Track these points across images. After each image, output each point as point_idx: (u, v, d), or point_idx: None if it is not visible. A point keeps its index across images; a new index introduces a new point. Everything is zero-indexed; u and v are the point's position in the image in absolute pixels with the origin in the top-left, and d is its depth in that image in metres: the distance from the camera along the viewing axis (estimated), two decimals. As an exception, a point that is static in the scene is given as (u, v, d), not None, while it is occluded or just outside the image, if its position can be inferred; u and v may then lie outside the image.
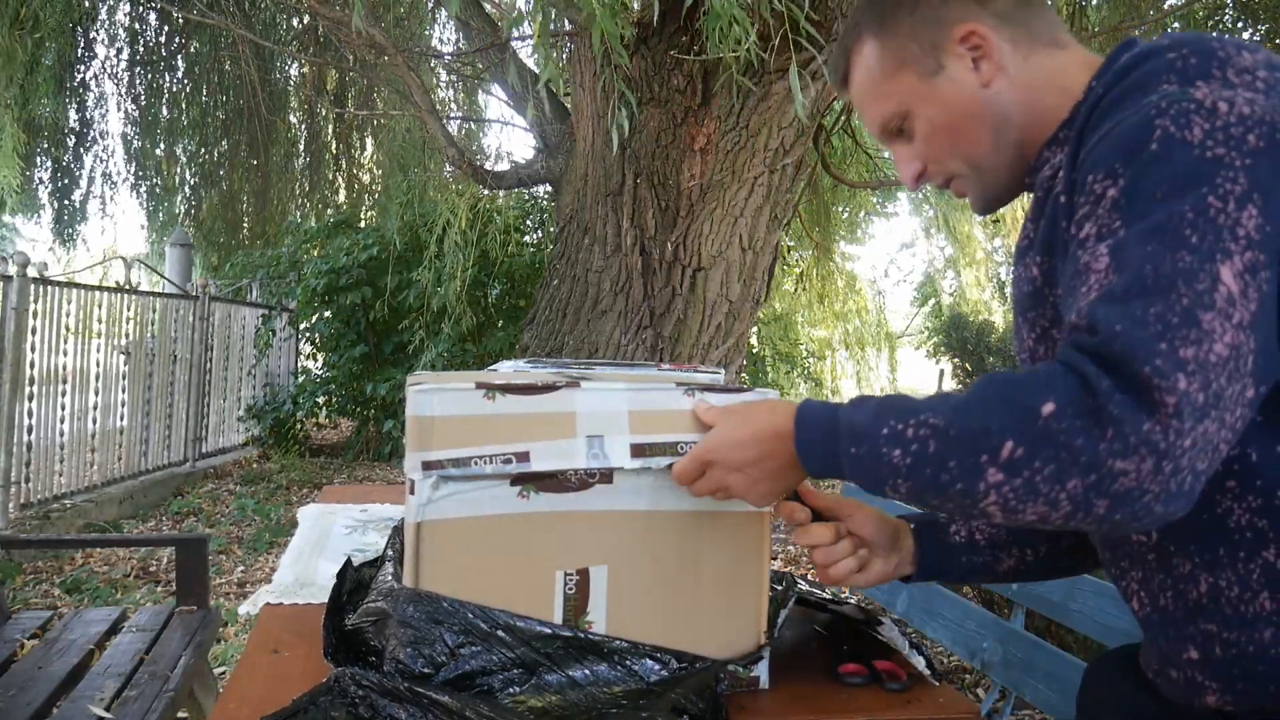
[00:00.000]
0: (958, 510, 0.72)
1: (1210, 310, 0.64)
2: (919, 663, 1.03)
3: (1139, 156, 0.70)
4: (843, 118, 4.70)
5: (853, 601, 1.21)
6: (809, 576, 1.15)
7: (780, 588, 1.09)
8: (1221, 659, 0.76)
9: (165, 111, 9.16)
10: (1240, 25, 6.10)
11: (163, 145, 9.52)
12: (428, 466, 0.87)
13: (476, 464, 0.88)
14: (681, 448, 0.92)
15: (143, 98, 8.97)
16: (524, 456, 0.89)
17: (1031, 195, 0.90)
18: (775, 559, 4.96)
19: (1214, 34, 0.78)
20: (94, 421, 5.52)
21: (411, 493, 0.89)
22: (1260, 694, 0.74)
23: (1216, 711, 0.79)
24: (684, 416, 0.92)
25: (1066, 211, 0.78)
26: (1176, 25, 5.77)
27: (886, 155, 7.83)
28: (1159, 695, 0.85)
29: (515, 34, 3.37)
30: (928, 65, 0.88)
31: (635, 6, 2.99)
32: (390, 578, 0.98)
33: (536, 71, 3.32)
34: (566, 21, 3.40)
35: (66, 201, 9.28)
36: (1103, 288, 0.68)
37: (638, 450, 0.91)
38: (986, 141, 0.88)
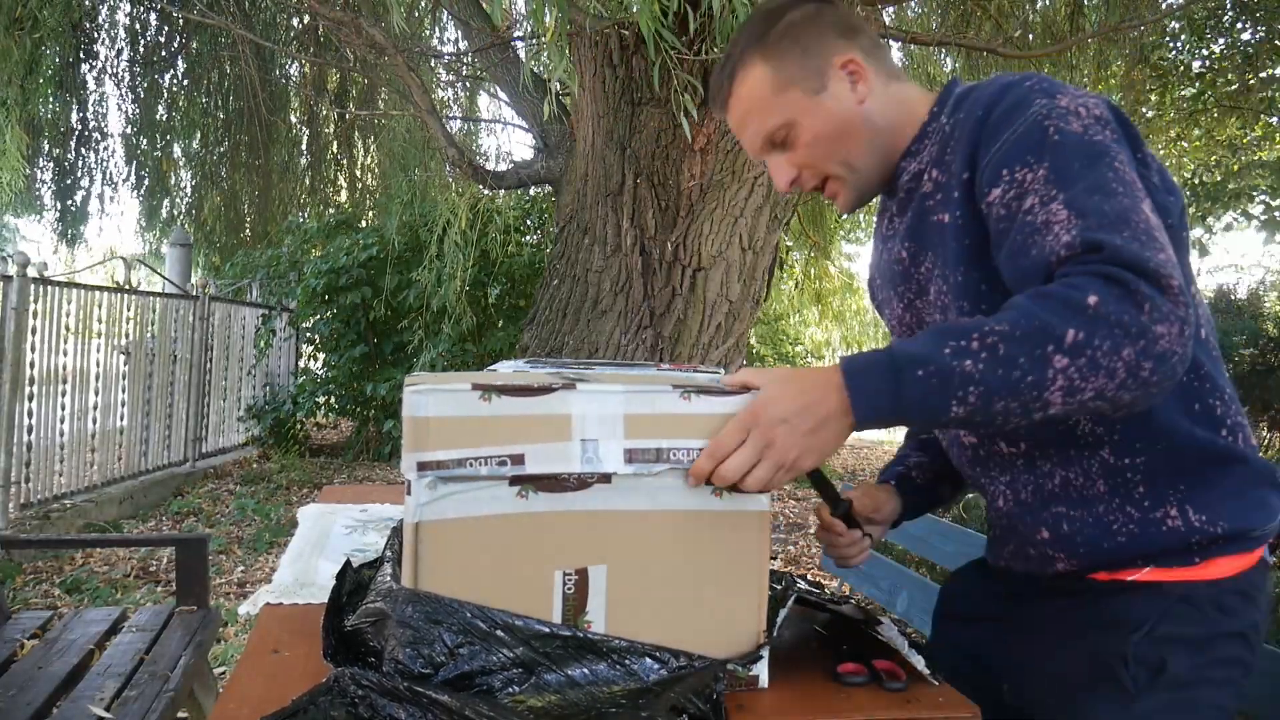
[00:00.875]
0: (1017, 408, 0.83)
1: (1157, 230, 0.86)
2: (918, 662, 1.03)
3: (1046, 146, 0.91)
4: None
5: (852, 601, 1.21)
6: (809, 576, 1.17)
7: (779, 587, 1.09)
8: (1068, 532, 1.01)
9: (165, 111, 9.17)
10: (1240, 26, 6.09)
11: (163, 145, 9.52)
12: (423, 467, 0.87)
13: (471, 465, 0.88)
14: (673, 454, 0.92)
15: (143, 98, 8.97)
16: (519, 459, 0.89)
17: (891, 198, 1.14)
18: (775, 558, 4.96)
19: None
20: (94, 421, 5.52)
21: (409, 494, 0.89)
22: (1097, 551, 1.00)
23: (1062, 575, 1.04)
24: (680, 422, 0.92)
25: (962, 204, 0.99)
26: (1175, 25, 5.76)
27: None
28: (1006, 577, 1.12)
29: (519, 34, 3.37)
30: (813, 85, 1.06)
31: (635, 7, 2.99)
32: (389, 578, 0.98)
33: (537, 72, 3.31)
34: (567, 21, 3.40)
35: (69, 201, 9.29)
36: (1076, 225, 0.86)
37: (632, 456, 0.91)
38: (862, 147, 1.08)
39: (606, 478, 0.92)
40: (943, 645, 1.24)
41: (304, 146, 9.87)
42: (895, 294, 1.14)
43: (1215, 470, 0.98)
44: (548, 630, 0.89)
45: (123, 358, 5.90)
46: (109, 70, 8.76)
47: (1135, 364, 0.81)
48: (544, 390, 0.90)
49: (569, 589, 0.92)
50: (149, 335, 6.24)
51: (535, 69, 3.29)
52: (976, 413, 0.84)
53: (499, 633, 0.88)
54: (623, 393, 0.91)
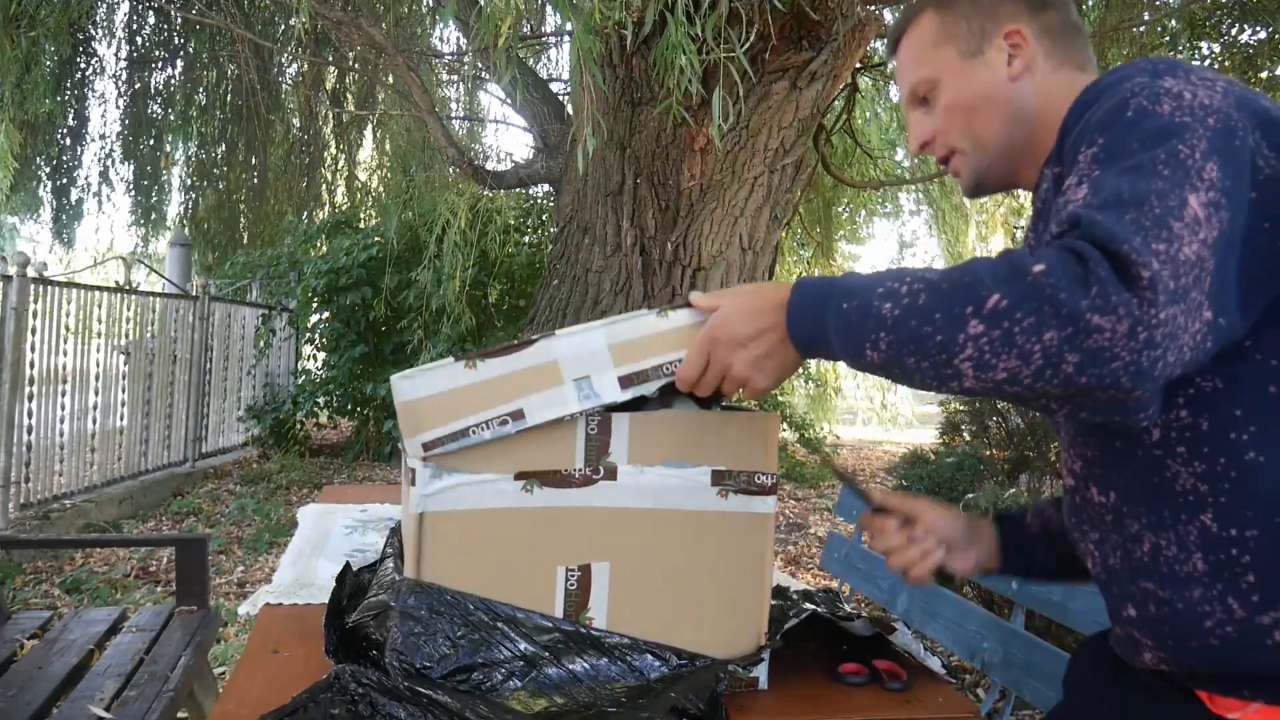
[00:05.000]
0: (929, 369, 0.74)
1: (1179, 221, 0.69)
2: (934, 663, 1.03)
3: (1116, 123, 0.77)
4: (843, 117, 4.70)
5: (863, 617, 1.20)
6: (811, 583, 1.16)
7: (786, 603, 1.09)
8: (1154, 615, 0.82)
9: (163, 111, 9.16)
10: (1239, 28, 6.09)
11: (160, 145, 9.52)
12: (428, 447, 0.87)
13: (474, 432, 0.88)
14: (667, 368, 0.91)
15: (140, 97, 8.96)
16: (519, 415, 0.88)
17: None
18: (775, 558, 4.95)
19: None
20: (94, 421, 5.51)
21: (412, 483, 0.89)
22: (1185, 650, 0.80)
23: (1157, 672, 0.84)
24: (664, 337, 0.91)
25: (1053, 207, 0.84)
26: (1174, 25, 5.76)
27: (887, 155, 7.72)
28: (1128, 674, 0.90)
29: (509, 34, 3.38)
30: (970, 46, 0.97)
31: (637, 3, 3.00)
32: (391, 571, 0.98)
33: (536, 69, 3.31)
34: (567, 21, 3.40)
35: (64, 200, 9.29)
36: (1084, 202, 0.73)
37: (626, 381, 0.90)
38: (997, 127, 0.96)
39: (612, 474, 0.92)
40: None
41: (303, 146, 9.86)
42: None
43: None
44: (550, 624, 0.89)
45: (122, 358, 5.89)
46: (106, 69, 8.75)
47: (1057, 353, 0.67)
48: (525, 344, 0.90)
49: (571, 585, 0.92)
50: (149, 335, 6.24)
51: (531, 67, 3.30)
52: (892, 364, 0.76)
53: (501, 625, 0.88)
54: (602, 327, 0.91)
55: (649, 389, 0.91)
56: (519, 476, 0.90)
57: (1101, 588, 0.90)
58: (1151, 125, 0.75)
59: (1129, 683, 0.89)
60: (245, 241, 9.76)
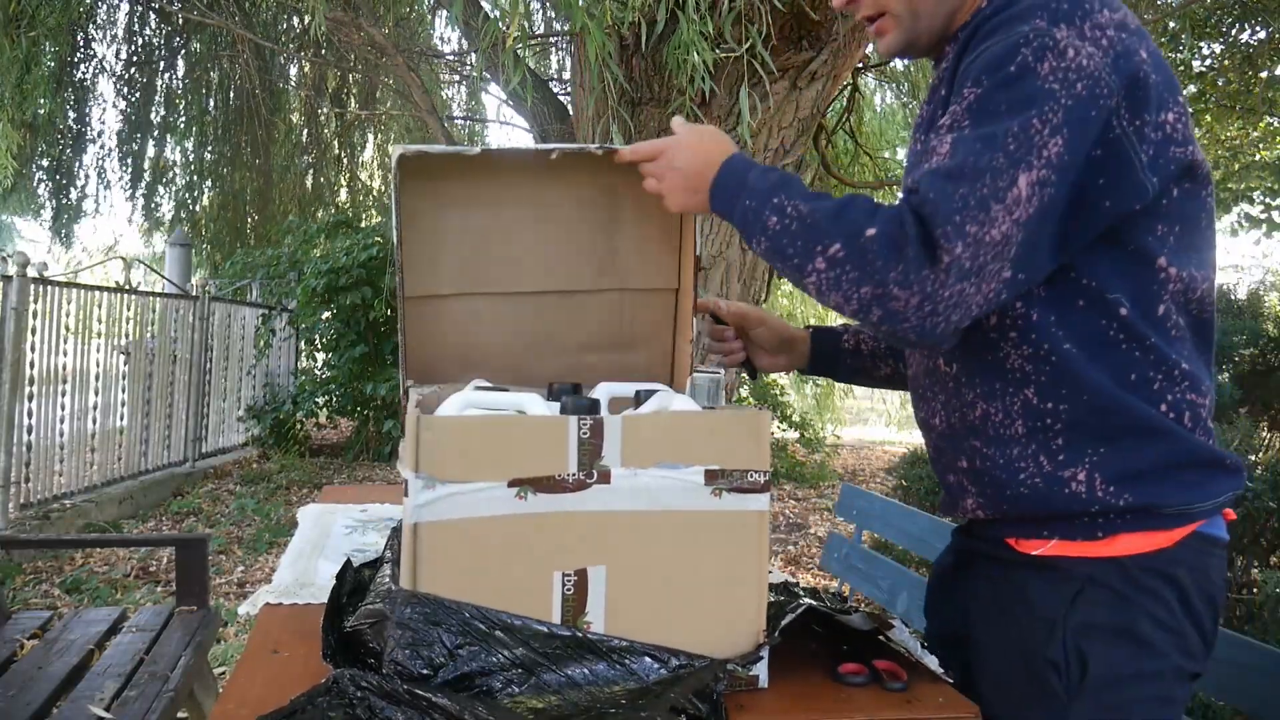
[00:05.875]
0: (789, 273, 0.93)
1: (1000, 204, 0.83)
2: (931, 662, 1.03)
3: (998, 74, 0.87)
4: (844, 117, 4.70)
5: (861, 611, 1.20)
6: (792, 576, 1.16)
7: (783, 598, 1.09)
8: (980, 468, 1.01)
9: (164, 111, 9.16)
10: (1239, 27, 6.09)
11: (161, 145, 9.52)
12: None
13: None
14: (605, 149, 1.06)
15: (141, 97, 8.97)
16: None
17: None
18: (774, 558, 4.96)
19: None
20: (94, 421, 5.51)
21: (406, 495, 0.89)
22: (1000, 496, 0.99)
23: (974, 522, 1.06)
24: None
25: (944, 109, 0.95)
26: (1173, 25, 5.76)
27: (887, 155, 7.72)
28: (954, 542, 1.15)
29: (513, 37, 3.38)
30: None
31: (639, 3, 3.00)
32: (388, 579, 0.98)
33: (535, 69, 3.31)
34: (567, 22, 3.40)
35: (64, 200, 9.30)
36: (936, 164, 0.86)
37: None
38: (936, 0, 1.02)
39: (606, 478, 0.92)
40: (931, 632, 1.21)
41: (303, 146, 9.86)
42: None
43: (1137, 441, 0.94)
44: (547, 630, 0.89)
45: (123, 358, 5.89)
46: (107, 70, 8.76)
47: (868, 304, 0.86)
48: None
49: (568, 590, 0.92)
50: (149, 335, 6.24)
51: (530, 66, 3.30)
52: (767, 259, 0.95)
53: (498, 633, 0.88)
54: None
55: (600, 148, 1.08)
56: (512, 484, 0.90)
57: (945, 441, 1.06)
58: (1024, 88, 0.85)
59: (961, 561, 1.11)
60: (252, 242, 9.75)
